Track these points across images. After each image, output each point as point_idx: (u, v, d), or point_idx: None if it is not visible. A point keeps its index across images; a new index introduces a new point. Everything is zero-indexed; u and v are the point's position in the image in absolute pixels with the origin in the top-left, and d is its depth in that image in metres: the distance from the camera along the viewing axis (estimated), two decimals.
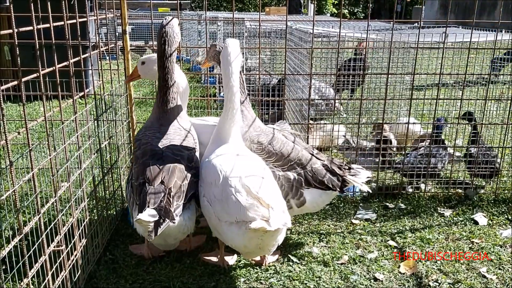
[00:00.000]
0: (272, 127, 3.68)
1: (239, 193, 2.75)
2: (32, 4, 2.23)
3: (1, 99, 1.97)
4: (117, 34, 3.96)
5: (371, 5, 5.33)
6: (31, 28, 2.29)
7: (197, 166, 3.20)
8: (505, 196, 4.45)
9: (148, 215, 2.70)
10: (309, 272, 3.28)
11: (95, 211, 3.43)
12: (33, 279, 2.39)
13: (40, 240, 2.42)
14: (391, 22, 4.70)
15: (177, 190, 2.93)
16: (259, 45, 4.36)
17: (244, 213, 2.70)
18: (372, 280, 3.21)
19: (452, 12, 21.39)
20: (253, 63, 7.04)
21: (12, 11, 2.12)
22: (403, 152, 4.82)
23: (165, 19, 3.28)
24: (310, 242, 3.68)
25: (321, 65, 6.20)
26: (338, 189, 3.43)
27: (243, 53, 6.23)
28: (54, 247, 2.60)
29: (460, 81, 6.09)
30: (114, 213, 3.85)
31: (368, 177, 3.53)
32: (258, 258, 3.37)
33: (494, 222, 4.04)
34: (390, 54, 4.26)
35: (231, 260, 3.36)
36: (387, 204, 4.34)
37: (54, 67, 2.58)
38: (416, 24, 8.35)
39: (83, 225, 3.02)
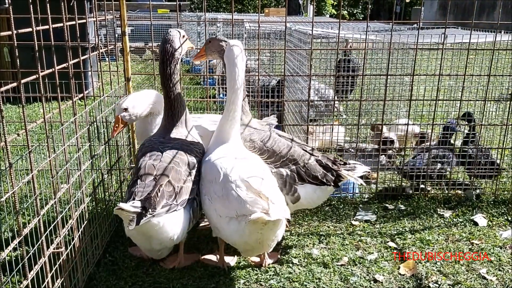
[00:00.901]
0: (257, 121, 3.70)
1: (239, 188, 2.80)
2: (31, 6, 2.23)
3: (1, 101, 1.97)
4: (116, 35, 3.96)
5: (370, 6, 5.34)
6: (30, 29, 2.29)
7: (196, 174, 3.09)
8: (504, 197, 4.45)
9: (130, 205, 2.62)
10: (309, 273, 3.27)
11: (94, 212, 3.42)
12: (33, 281, 2.38)
13: (39, 242, 2.41)
14: (390, 23, 4.70)
15: (169, 189, 2.84)
16: (259, 46, 4.36)
17: (244, 206, 2.75)
18: (372, 282, 3.21)
19: (451, 12, 21.43)
20: (253, 64, 7.04)
21: (11, 12, 2.11)
22: (403, 153, 4.82)
23: (168, 33, 3.22)
24: (309, 243, 3.67)
25: (321, 66, 6.20)
26: (333, 184, 3.43)
27: None
28: (54, 249, 2.60)
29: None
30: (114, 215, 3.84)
31: (365, 172, 3.53)
32: (257, 259, 3.37)
33: (494, 223, 4.04)
34: (390, 55, 4.26)
35: (231, 261, 3.36)
36: (387, 205, 4.33)
37: (53, 69, 2.57)
38: (415, 25, 8.36)
39: (82, 226, 3.02)
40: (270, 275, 3.26)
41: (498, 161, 4.53)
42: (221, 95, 7.53)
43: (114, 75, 4.00)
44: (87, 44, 3.85)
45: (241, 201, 2.76)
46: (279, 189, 3.12)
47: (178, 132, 3.28)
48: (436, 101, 4.35)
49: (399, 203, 4.37)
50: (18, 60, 2.15)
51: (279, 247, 3.55)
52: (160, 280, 3.16)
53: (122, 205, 2.61)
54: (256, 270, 3.30)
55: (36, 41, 2.32)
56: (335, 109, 5.96)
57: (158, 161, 2.99)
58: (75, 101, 2.82)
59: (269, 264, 3.36)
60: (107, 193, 3.65)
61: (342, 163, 3.53)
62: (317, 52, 6.07)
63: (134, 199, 2.72)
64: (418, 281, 3.22)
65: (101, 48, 3.59)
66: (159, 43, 3.26)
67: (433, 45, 5.63)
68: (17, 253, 2.85)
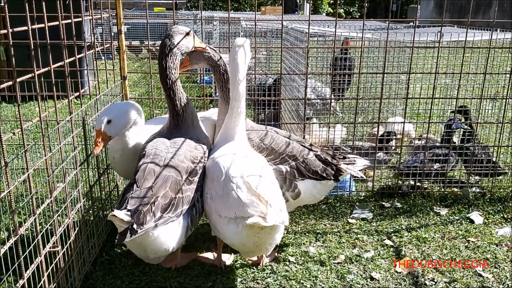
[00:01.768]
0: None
1: (240, 189, 2.77)
2: (27, 4, 2.22)
3: None
4: (112, 34, 3.95)
5: (366, 4, 5.34)
6: (26, 28, 2.28)
7: (199, 180, 3.01)
8: (500, 195, 4.47)
9: (124, 213, 2.54)
10: (305, 271, 3.28)
11: (91, 211, 3.42)
12: (29, 280, 2.38)
13: (35, 241, 2.41)
14: (387, 21, 4.70)
15: (165, 201, 2.72)
16: (255, 44, 4.36)
17: (243, 209, 2.72)
18: (368, 279, 3.21)
19: (447, 11, 21.46)
20: (249, 62, 7.02)
21: (7, 11, 2.11)
22: (399, 152, 4.83)
23: (171, 28, 3.16)
24: (306, 241, 3.68)
25: (317, 64, 6.20)
26: (333, 178, 3.44)
27: None
28: (50, 248, 2.59)
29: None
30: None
31: (364, 165, 3.54)
32: (255, 258, 3.37)
33: (490, 220, 4.06)
34: (386, 53, 4.27)
35: (228, 260, 3.36)
36: (383, 203, 4.34)
37: (49, 67, 2.57)
38: (412, 23, 8.37)
39: (79, 225, 3.01)
40: (267, 273, 3.26)
41: (494, 159, 4.54)
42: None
43: (110, 74, 3.99)
44: (83, 43, 3.85)
45: (240, 203, 2.73)
46: (279, 189, 3.08)
47: (183, 133, 3.17)
48: (433, 99, 4.36)
49: (395, 201, 4.38)
50: (13, 59, 2.14)
51: (276, 245, 3.55)
52: (157, 279, 3.15)
53: (117, 212, 2.52)
54: (253, 269, 3.31)
55: (31, 39, 2.31)
56: (332, 108, 5.97)
57: (159, 167, 2.87)
58: (71, 100, 2.81)
59: (266, 263, 3.36)
60: (103, 192, 3.65)
61: (342, 157, 3.54)
62: (313, 51, 6.07)
63: (126, 207, 2.61)
64: (415, 278, 3.23)
65: (97, 47, 3.57)
66: (155, 41, 3.24)
67: (430, 44, 5.65)
68: (13, 252, 2.83)
